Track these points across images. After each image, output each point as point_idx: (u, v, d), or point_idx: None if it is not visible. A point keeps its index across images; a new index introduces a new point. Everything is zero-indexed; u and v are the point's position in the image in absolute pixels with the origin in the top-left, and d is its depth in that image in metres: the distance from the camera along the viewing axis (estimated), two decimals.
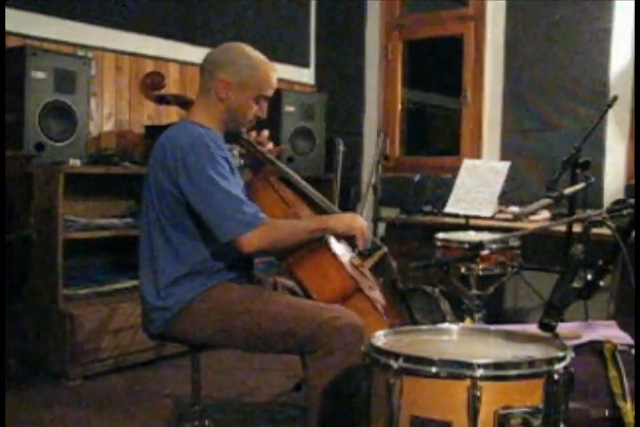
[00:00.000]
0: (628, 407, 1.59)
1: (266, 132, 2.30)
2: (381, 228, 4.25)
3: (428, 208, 4.10)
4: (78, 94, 3.28)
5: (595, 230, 1.62)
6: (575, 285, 1.54)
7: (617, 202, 1.75)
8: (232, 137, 2.22)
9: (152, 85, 2.36)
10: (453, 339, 1.61)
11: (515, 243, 2.95)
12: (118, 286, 3.43)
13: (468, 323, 2.79)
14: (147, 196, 2.07)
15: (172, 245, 2.02)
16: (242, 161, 2.33)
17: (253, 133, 2.28)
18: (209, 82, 2.10)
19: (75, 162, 3.18)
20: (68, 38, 3.57)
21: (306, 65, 5.00)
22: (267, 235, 1.92)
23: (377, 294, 2.20)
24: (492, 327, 1.66)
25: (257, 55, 2.12)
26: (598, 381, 1.65)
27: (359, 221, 2.12)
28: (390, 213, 4.21)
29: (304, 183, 2.33)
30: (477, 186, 3.44)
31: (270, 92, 2.14)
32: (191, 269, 2.02)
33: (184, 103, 2.33)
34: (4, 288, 2.90)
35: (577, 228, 2.75)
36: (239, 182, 2.13)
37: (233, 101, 2.09)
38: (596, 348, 1.71)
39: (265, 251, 2.00)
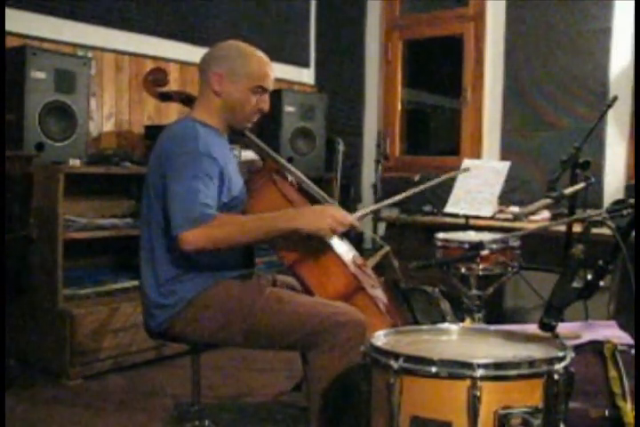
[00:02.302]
0: (627, 407, 1.59)
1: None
2: (381, 228, 4.25)
3: (427, 208, 4.10)
4: (78, 94, 3.27)
5: (595, 230, 1.62)
6: (575, 285, 1.53)
7: (617, 202, 1.75)
8: (235, 135, 2.22)
9: (155, 82, 2.35)
10: (453, 339, 1.61)
11: (515, 243, 2.95)
12: (118, 286, 3.43)
13: (468, 323, 2.78)
14: (147, 192, 2.07)
15: (171, 243, 2.02)
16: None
17: None
18: (204, 78, 2.11)
19: (75, 162, 3.18)
20: (67, 38, 3.57)
21: (306, 65, 5.00)
22: (206, 234, 1.87)
23: (379, 293, 2.19)
24: (492, 327, 1.66)
25: (249, 48, 2.13)
26: (598, 381, 1.65)
27: (328, 213, 1.97)
28: (390, 213, 4.21)
29: (307, 181, 2.33)
30: (477, 186, 3.43)
31: (266, 83, 2.11)
32: (191, 266, 2.02)
33: (187, 100, 2.31)
34: (4, 288, 2.89)
35: (577, 228, 2.75)
36: (237, 181, 2.13)
37: (229, 94, 2.08)
38: (596, 348, 1.71)
39: (206, 250, 1.92)
